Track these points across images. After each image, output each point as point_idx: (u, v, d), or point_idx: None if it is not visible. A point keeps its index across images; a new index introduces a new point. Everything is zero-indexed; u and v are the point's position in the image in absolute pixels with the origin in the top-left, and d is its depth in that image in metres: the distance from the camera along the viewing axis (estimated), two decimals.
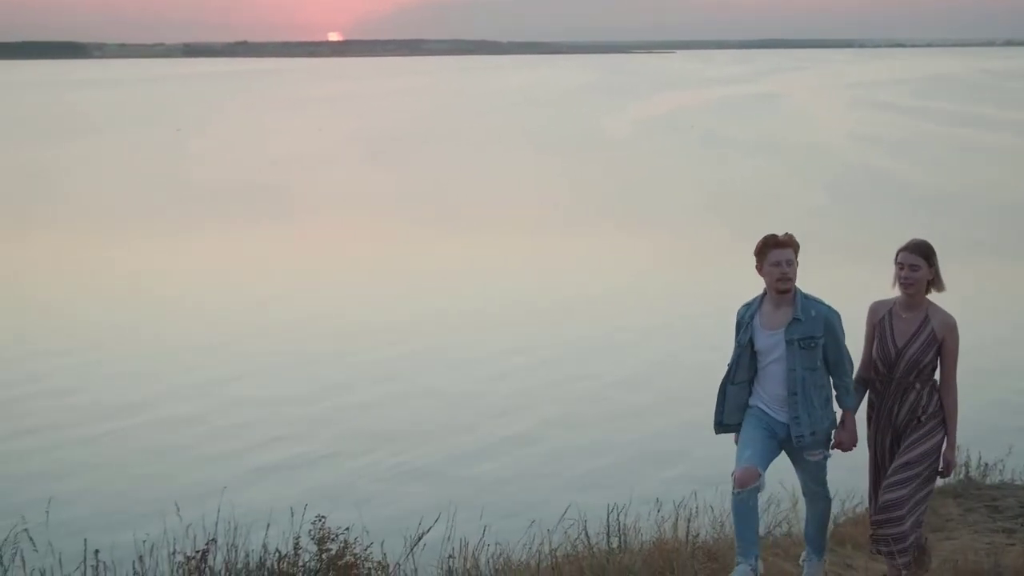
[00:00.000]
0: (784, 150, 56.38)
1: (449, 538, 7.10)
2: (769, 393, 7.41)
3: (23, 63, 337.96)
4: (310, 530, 6.37)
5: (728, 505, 7.34)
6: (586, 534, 7.53)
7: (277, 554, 6.32)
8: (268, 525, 6.55)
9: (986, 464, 11.29)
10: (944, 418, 7.49)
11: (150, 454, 14.80)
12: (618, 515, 7.99)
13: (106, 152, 59.82)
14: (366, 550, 6.47)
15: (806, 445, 7.39)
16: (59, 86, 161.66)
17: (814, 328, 7.32)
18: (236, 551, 6.34)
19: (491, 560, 7.16)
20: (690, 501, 8.38)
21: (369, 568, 6.41)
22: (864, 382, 7.63)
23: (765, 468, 7.29)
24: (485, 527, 7.22)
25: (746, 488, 7.12)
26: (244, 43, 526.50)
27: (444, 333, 21.29)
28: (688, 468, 13.12)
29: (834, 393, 7.49)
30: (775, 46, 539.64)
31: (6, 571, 6.18)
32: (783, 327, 7.34)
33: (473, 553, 7.03)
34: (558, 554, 7.32)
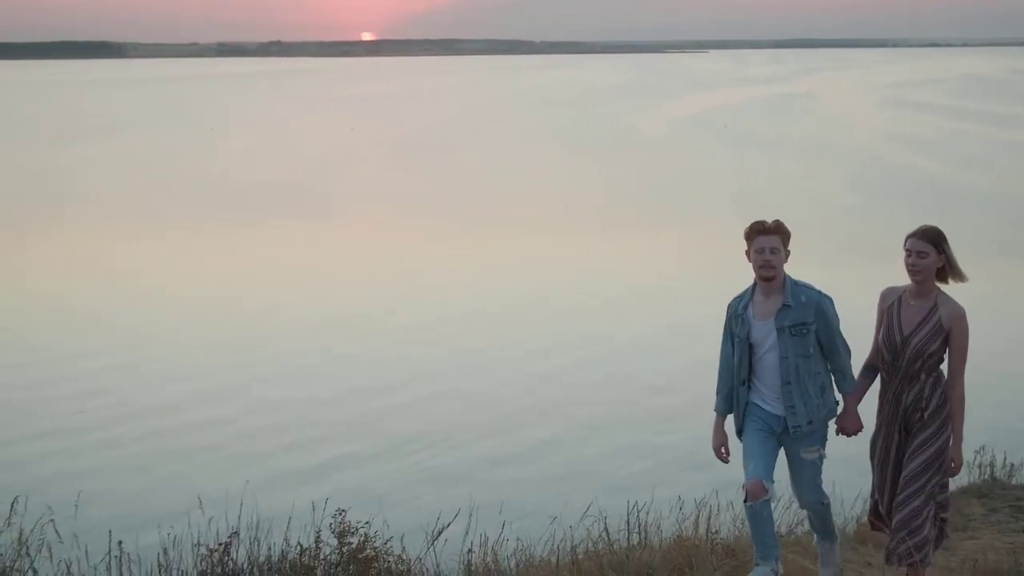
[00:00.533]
0: (817, 150, 56.16)
1: (468, 533, 7.15)
2: (765, 385, 7.26)
3: (60, 63, 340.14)
4: (331, 524, 6.45)
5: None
6: (606, 531, 7.56)
7: (299, 547, 6.41)
8: (289, 519, 6.64)
9: (1012, 464, 11.26)
10: (950, 414, 7.25)
11: (176, 452, 14.92)
12: (638, 513, 8.03)
13: (138, 151, 60.15)
14: (386, 544, 6.54)
15: (804, 435, 7.23)
16: (94, 85, 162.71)
17: (804, 314, 7.16)
18: (258, 544, 6.43)
19: (510, 556, 7.23)
20: (711, 499, 8.40)
21: (389, 562, 6.49)
22: (873, 369, 7.47)
23: (771, 476, 7.17)
24: (504, 522, 7.28)
25: (758, 501, 7.05)
26: (277, 43, 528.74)
27: (471, 333, 21.34)
28: (712, 468, 13.10)
29: (832, 380, 7.36)
30: (809, 46, 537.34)
31: (33, 561, 6.29)
32: (773, 315, 7.19)
33: (492, 548, 7.11)
34: (579, 551, 7.38)
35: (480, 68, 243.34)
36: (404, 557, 6.64)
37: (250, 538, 6.41)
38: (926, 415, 7.23)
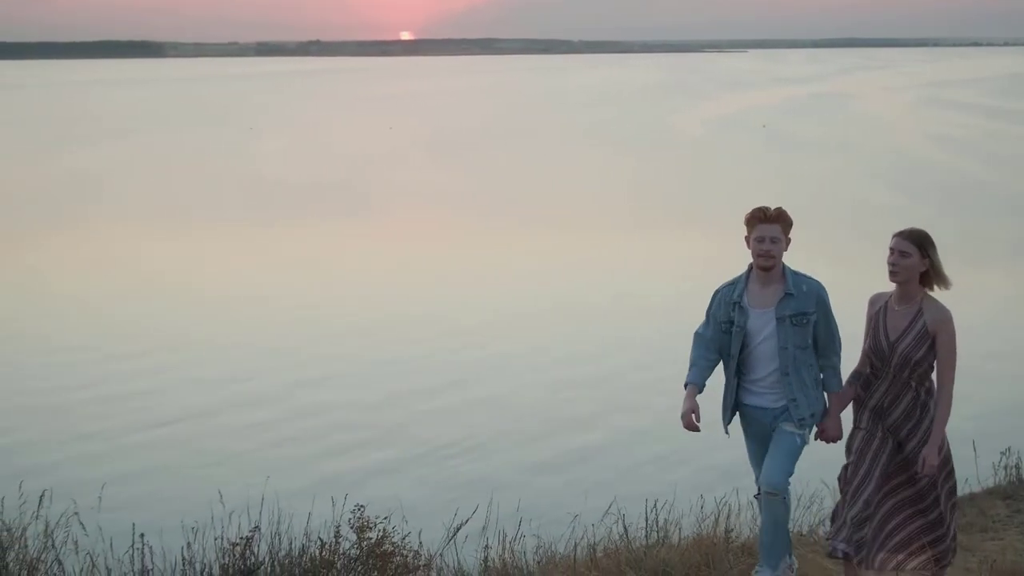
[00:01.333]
0: (854, 150, 55.93)
1: (484, 529, 7.25)
2: (757, 376, 7.10)
3: (101, 62, 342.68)
4: (350, 520, 6.57)
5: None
6: (624, 528, 7.64)
7: (319, 542, 6.52)
8: (309, 515, 6.75)
9: None
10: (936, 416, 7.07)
11: (199, 449, 15.11)
12: (657, 511, 8.09)
13: (177, 150, 60.59)
14: (404, 539, 6.65)
15: (808, 425, 7.09)
16: (134, 84, 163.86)
17: (806, 304, 7.03)
18: (280, 539, 6.55)
19: (530, 553, 7.33)
20: (731, 498, 8.46)
21: (408, 556, 6.60)
22: (860, 377, 7.31)
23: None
24: (521, 520, 7.37)
25: (776, 498, 7.02)
26: (316, 42, 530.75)
27: (502, 334, 21.37)
28: (733, 468, 13.16)
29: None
30: (848, 45, 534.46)
31: (59, 553, 6.43)
32: (773, 304, 7.03)
33: (510, 544, 7.20)
34: (598, 549, 7.46)
35: (518, 67, 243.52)
36: (421, 553, 6.75)
37: (271, 532, 6.54)
38: (919, 432, 7.08)
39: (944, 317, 7.02)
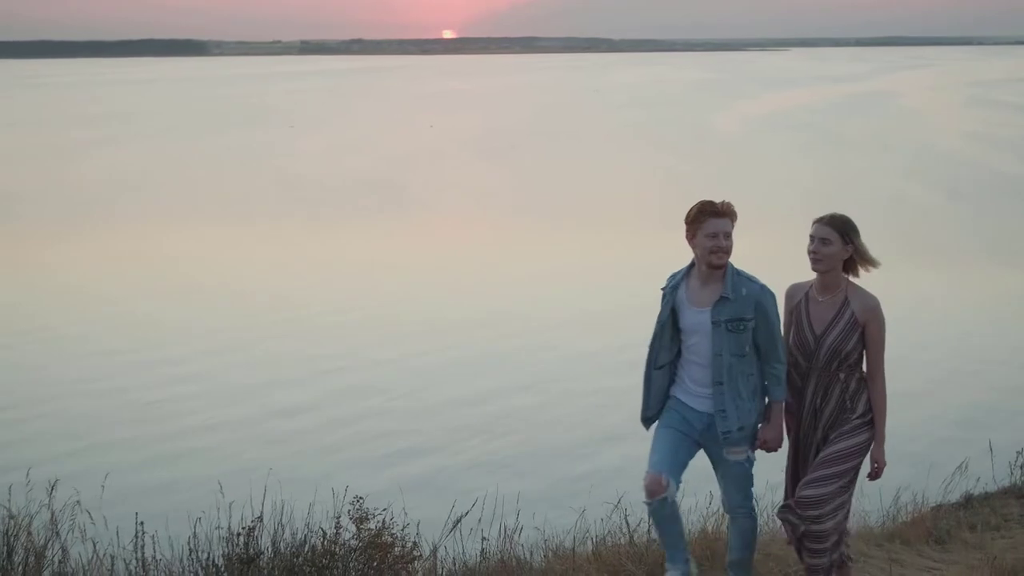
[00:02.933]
0: (898, 149, 55.68)
1: (480, 521, 7.34)
2: (692, 379, 6.66)
3: (145, 60, 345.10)
4: (349, 510, 6.69)
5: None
6: (627, 523, 7.72)
7: (321, 532, 6.65)
8: (310, 506, 6.88)
9: None
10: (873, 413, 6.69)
11: (204, 442, 15.37)
12: None
13: (218, 148, 61.01)
14: (403, 530, 6.77)
15: (733, 442, 6.61)
16: (177, 83, 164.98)
17: (744, 309, 6.53)
18: (282, 529, 6.69)
19: (528, 544, 7.43)
20: None
21: (407, 547, 6.72)
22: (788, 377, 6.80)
23: (677, 474, 6.60)
24: (519, 511, 7.46)
25: (655, 498, 6.50)
26: (359, 41, 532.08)
27: (526, 331, 21.49)
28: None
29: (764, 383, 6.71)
30: (892, 44, 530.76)
31: (63, 541, 6.60)
32: (710, 306, 6.57)
33: (511, 536, 7.30)
34: (600, 543, 7.54)
35: (560, 66, 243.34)
36: (420, 544, 6.86)
37: (274, 523, 6.67)
38: (854, 417, 6.67)
39: (873, 305, 6.63)
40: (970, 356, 19.76)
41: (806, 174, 46.06)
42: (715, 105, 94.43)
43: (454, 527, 7.18)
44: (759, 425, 6.71)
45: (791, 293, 6.87)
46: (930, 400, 17.21)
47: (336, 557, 6.48)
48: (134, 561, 6.51)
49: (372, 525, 6.60)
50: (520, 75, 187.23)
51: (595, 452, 15.11)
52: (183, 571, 6.55)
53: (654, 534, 7.03)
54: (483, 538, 7.20)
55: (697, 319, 6.59)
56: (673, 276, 6.82)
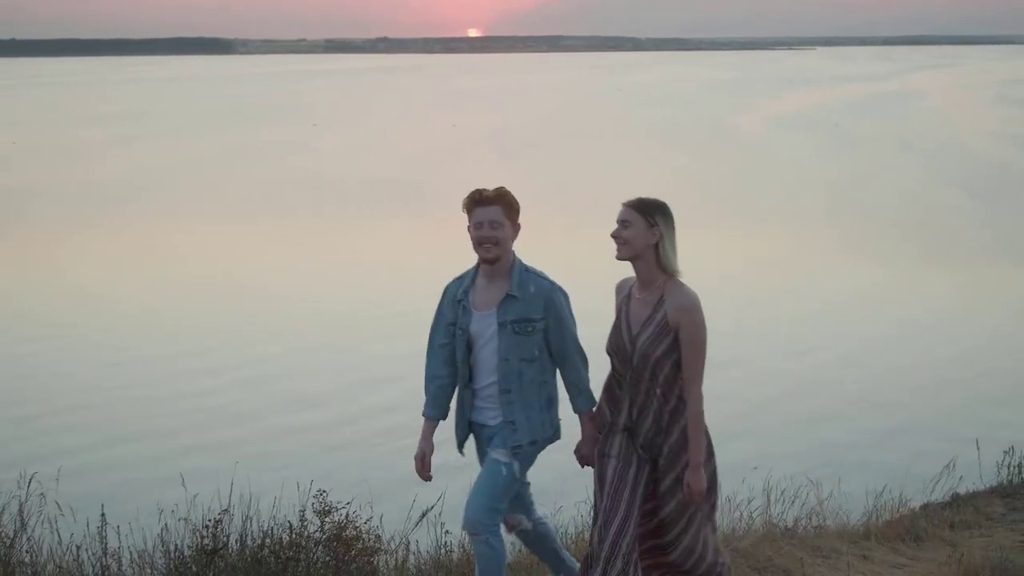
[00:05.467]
0: (924, 149, 55.50)
1: (440, 515, 7.44)
2: (480, 386, 6.07)
3: (172, 59, 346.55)
4: (313, 503, 6.81)
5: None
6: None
7: (288, 525, 6.78)
8: (276, 499, 7.02)
9: None
10: (707, 440, 6.00)
11: (173, 433, 15.57)
12: None
13: (239, 146, 61.25)
14: (366, 523, 6.88)
15: (525, 457, 6.02)
16: (203, 81, 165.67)
17: (531, 308, 5.91)
18: (250, 521, 6.82)
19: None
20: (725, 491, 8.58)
21: (371, 540, 6.84)
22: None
23: (523, 506, 6.23)
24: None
25: (516, 530, 6.26)
26: (384, 39, 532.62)
27: None
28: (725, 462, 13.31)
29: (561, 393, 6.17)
30: (920, 43, 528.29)
31: (31, 532, 6.75)
32: (495, 306, 5.97)
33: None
34: (575, 538, 7.62)
35: (585, 65, 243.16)
36: (383, 537, 6.98)
37: (242, 515, 6.80)
38: (665, 448, 5.91)
39: (687, 304, 5.82)
40: (962, 355, 19.79)
41: (823, 174, 45.95)
42: (736, 105, 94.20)
43: (419, 520, 7.28)
44: (556, 440, 6.17)
45: (619, 287, 6.11)
46: (920, 398, 17.24)
47: (301, 549, 6.62)
48: (98, 551, 6.65)
49: (336, 518, 6.72)
50: (544, 74, 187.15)
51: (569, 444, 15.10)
52: (152, 562, 6.69)
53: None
54: (446, 531, 7.31)
55: (485, 322, 6.00)
56: (459, 279, 6.21)
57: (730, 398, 16.69)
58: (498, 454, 5.98)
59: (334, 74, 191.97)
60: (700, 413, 5.89)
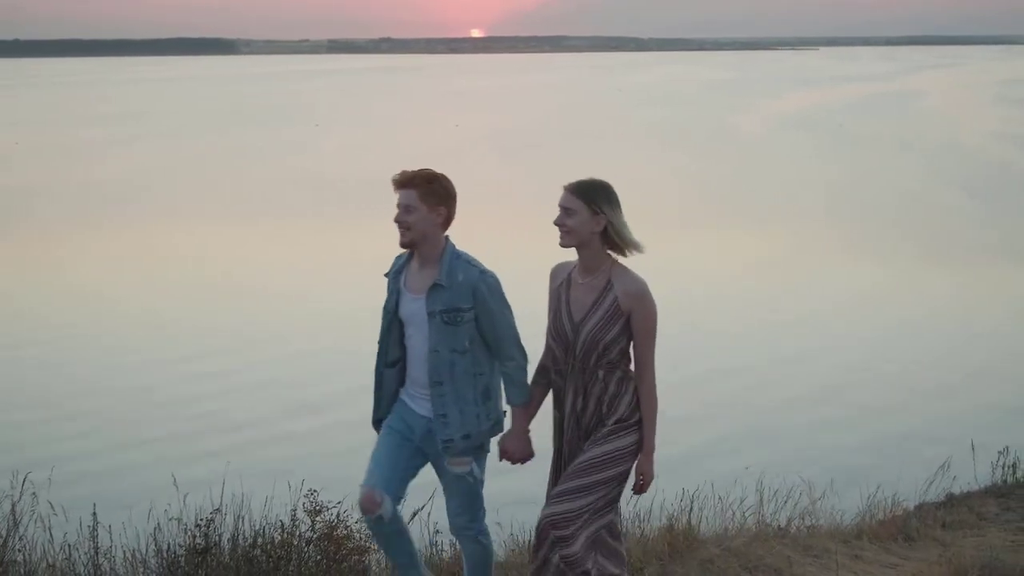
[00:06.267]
0: (925, 149, 55.51)
1: (431, 515, 7.47)
2: (412, 377, 5.88)
3: (174, 59, 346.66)
4: (304, 503, 6.85)
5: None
6: None
7: (280, 524, 6.82)
8: (267, 499, 7.05)
9: None
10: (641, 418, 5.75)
11: (166, 436, 15.59)
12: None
13: (241, 147, 61.27)
14: (357, 522, 6.92)
15: (455, 452, 5.81)
16: (206, 81, 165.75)
17: (460, 297, 5.70)
18: (241, 520, 6.86)
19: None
20: (705, 489, 8.63)
21: (363, 539, 6.88)
22: (547, 373, 5.93)
23: (395, 489, 5.85)
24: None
25: (370, 516, 5.81)
26: (387, 39, 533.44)
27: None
28: (731, 459, 13.36)
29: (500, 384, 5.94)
30: (921, 43, 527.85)
31: (24, 531, 6.79)
32: (424, 293, 5.77)
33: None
34: None
35: (588, 65, 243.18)
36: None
37: (233, 515, 6.84)
38: (611, 421, 5.71)
39: (638, 290, 5.67)
40: (961, 355, 19.82)
41: (823, 174, 45.95)
42: (737, 105, 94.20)
43: (409, 520, 7.31)
44: (500, 434, 5.95)
45: (554, 273, 5.91)
46: (916, 399, 17.27)
47: (292, 548, 6.66)
48: (90, 550, 6.69)
49: (327, 517, 6.77)
50: (546, 74, 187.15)
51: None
52: (145, 561, 6.73)
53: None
54: (436, 531, 7.34)
55: (412, 307, 5.81)
56: (398, 259, 6.02)
57: (729, 397, 16.75)
58: (455, 466, 5.86)
59: (336, 74, 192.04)
60: (655, 397, 5.78)
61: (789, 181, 44.18)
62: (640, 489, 5.80)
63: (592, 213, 5.64)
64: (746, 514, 8.70)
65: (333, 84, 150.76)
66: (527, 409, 5.91)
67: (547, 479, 6.02)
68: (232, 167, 51.40)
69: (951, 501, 10.39)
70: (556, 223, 5.70)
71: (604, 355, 5.68)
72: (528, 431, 5.90)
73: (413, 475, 5.99)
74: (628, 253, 5.73)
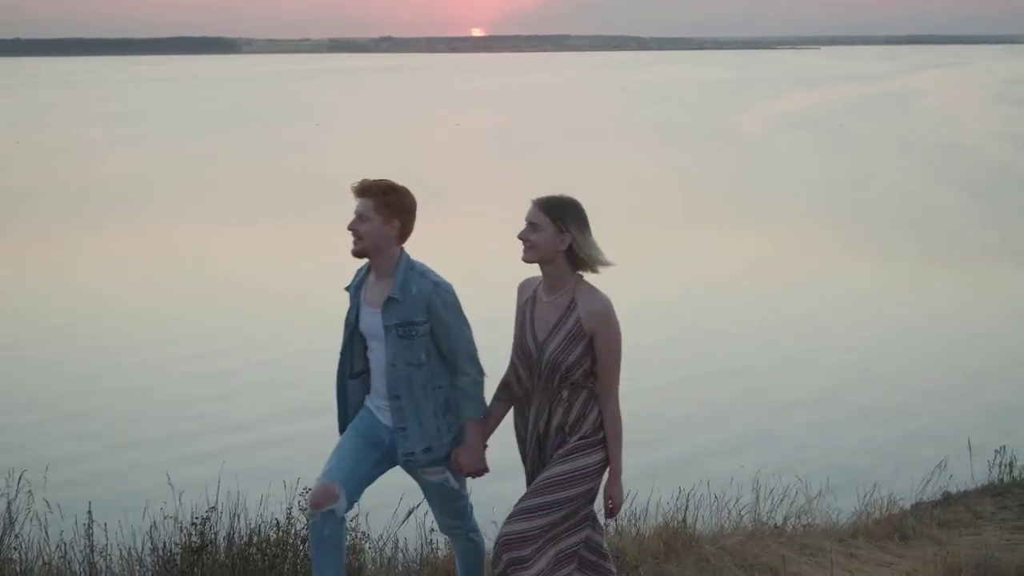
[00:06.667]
0: (925, 149, 55.51)
1: (427, 513, 7.49)
2: (375, 388, 5.87)
3: (175, 58, 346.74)
4: (300, 501, 6.88)
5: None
6: None
7: (275, 523, 6.85)
8: (262, 498, 7.08)
9: None
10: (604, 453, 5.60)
11: (161, 435, 15.61)
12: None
13: (242, 146, 61.30)
14: (352, 520, 6.94)
15: (420, 464, 5.81)
16: (207, 81, 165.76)
17: (414, 311, 5.66)
18: (236, 519, 6.88)
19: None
20: (701, 489, 8.66)
21: (358, 537, 6.91)
22: (510, 389, 5.84)
23: (355, 487, 5.77)
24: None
25: (319, 510, 5.66)
26: (388, 38, 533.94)
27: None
28: (728, 458, 13.38)
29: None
30: (922, 42, 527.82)
31: (19, 529, 6.82)
32: (380, 307, 5.75)
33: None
34: None
35: (589, 64, 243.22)
36: (369, 534, 7.05)
37: (229, 513, 6.86)
38: (573, 440, 5.58)
39: (602, 310, 5.55)
40: (959, 355, 19.84)
41: (824, 174, 45.96)
42: (738, 104, 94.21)
43: (405, 519, 7.34)
44: (457, 448, 5.87)
45: (521, 288, 5.83)
46: (914, 398, 17.29)
47: (288, 547, 6.68)
48: (85, 549, 6.72)
49: None
50: (547, 73, 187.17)
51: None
52: (141, 559, 6.76)
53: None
54: (432, 529, 7.35)
55: (371, 321, 5.80)
56: (359, 272, 5.99)
57: (727, 397, 16.77)
58: (430, 475, 5.87)
59: (337, 73, 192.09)
60: (619, 420, 5.64)
61: (790, 181, 44.20)
62: (611, 514, 5.71)
63: (558, 231, 5.54)
64: (742, 513, 8.72)
65: (334, 83, 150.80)
66: (483, 423, 5.85)
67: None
68: (233, 167, 51.43)
69: (948, 500, 10.42)
70: (520, 237, 5.61)
71: (568, 376, 5.57)
72: (484, 445, 5.84)
73: (370, 482, 5.92)
74: (596, 270, 5.62)
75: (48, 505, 7.10)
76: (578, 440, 5.57)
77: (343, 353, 5.93)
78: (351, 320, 5.87)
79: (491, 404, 5.89)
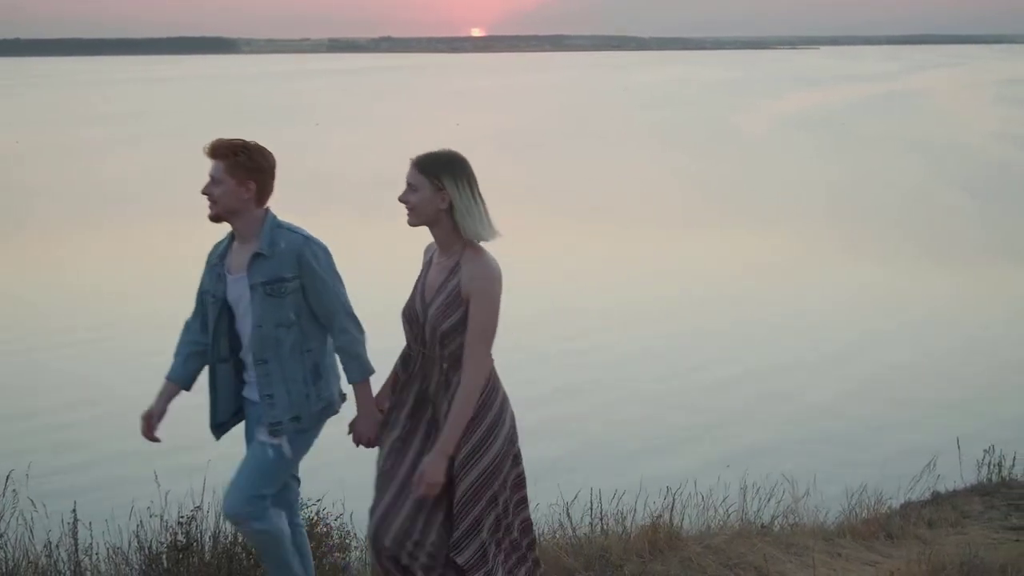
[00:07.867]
0: (926, 149, 55.53)
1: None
2: (246, 363, 5.54)
3: (175, 58, 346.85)
4: None
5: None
6: (568, 516, 7.89)
7: None
8: None
9: None
10: (492, 420, 5.13)
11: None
12: (601, 503, 8.27)
13: None
14: (337, 519, 6.99)
15: (295, 437, 5.42)
16: (207, 80, 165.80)
17: (283, 266, 5.33)
18: (222, 518, 6.90)
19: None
20: (688, 488, 8.69)
21: (342, 536, 6.96)
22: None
23: (282, 505, 5.66)
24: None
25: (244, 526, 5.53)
26: (388, 38, 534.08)
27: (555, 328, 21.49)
28: (718, 457, 13.42)
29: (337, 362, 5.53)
30: (924, 42, 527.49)
31: (5, 528, 6.86)
32: (246, 268, 5.39)
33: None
34: (541, 535, 7.70)
35: (589, 64, 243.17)
36: (355, 532, 7.09)
37: (215, 513, 6.90)
38: (467, 446, 5.10)
39: (483, 275, 5.10)
40: (956, 354, 19.89)
41: (825, 174, 46.00)
42: (739, 105, 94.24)
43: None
44: (332, 415, 5.60)
45: (428, 248, 5.43)
46: (906, 397, 17.33)
47: None
48: (71, 548, 6.76)
49: (307, 515, 6.83)
50: (547, 73, 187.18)
51: (545, 445, 15.16)
52: (127, 558, 6.80)
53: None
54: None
55: (239, 286, 5.43)
56: (218, 244, 5.63)
57: (727, 396, 16.82)
58: (263, 435, 5.41)
59: (337, 73, 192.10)
60: (472, 393, 5.07)
61: (791, 181, 44.25)
62: (421, 491, 5.08)
63: (435, 189, 5.12)
64: (729, 512, 8.75)
65: (334, 83, 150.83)
66: (370, 389, 5.44)
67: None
68: None
69: (936, 500, 10.44)
70: (400, 199, 5.19)
71: (445, 344, 5.11)
72: (379, 412, 5.42)
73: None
74: (474, 242, 5.17)
75: (33, 504, 7.15)
76: (469, 450, 5.09)
77: (213, 333, 5.54)
78: (218, 294, 5.47)
79: (394, 370, 5.46)
